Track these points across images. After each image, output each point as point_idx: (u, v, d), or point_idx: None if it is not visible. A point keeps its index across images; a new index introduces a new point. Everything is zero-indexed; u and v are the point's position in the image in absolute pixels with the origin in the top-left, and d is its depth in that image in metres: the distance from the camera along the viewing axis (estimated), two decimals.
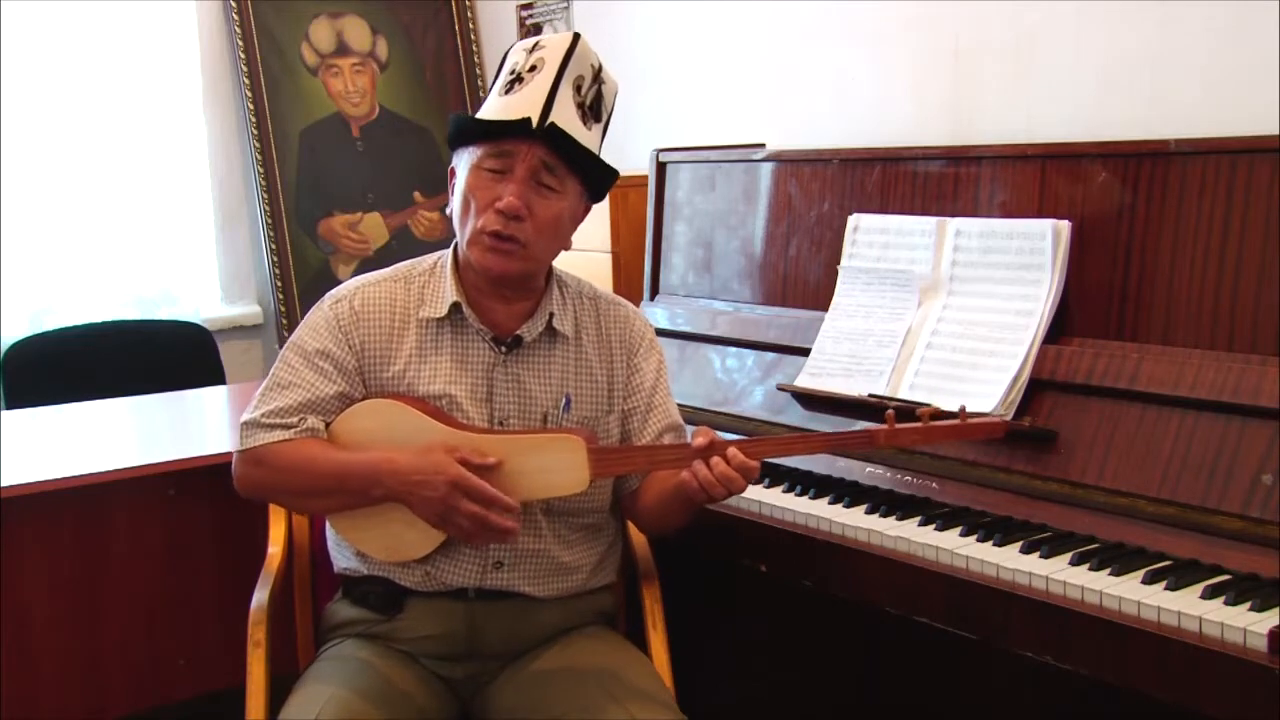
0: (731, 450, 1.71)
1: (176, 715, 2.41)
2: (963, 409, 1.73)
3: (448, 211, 1.89)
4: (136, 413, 2.89)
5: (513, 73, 1.83)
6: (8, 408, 3.12)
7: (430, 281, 1.90)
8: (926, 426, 1.73)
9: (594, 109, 1.84)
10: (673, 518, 1.89)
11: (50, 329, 3.49)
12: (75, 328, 3.52)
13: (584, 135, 1.81)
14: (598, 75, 1.84)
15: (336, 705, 1.72)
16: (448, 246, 1.93)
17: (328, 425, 1.84)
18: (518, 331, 1.87)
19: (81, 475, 2.29)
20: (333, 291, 1.92)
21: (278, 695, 1.84)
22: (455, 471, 1.71)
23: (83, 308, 3.79)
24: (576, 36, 1.81)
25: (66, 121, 3.83)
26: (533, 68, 1.81)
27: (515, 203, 1.77)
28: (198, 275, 4.09)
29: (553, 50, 1.81)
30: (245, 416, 1.84)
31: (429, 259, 1.94)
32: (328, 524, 1.96)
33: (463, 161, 1.84)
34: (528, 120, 1.76)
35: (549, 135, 1.77)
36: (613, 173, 1.88)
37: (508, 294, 1.87)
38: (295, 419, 1.81)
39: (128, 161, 3.94)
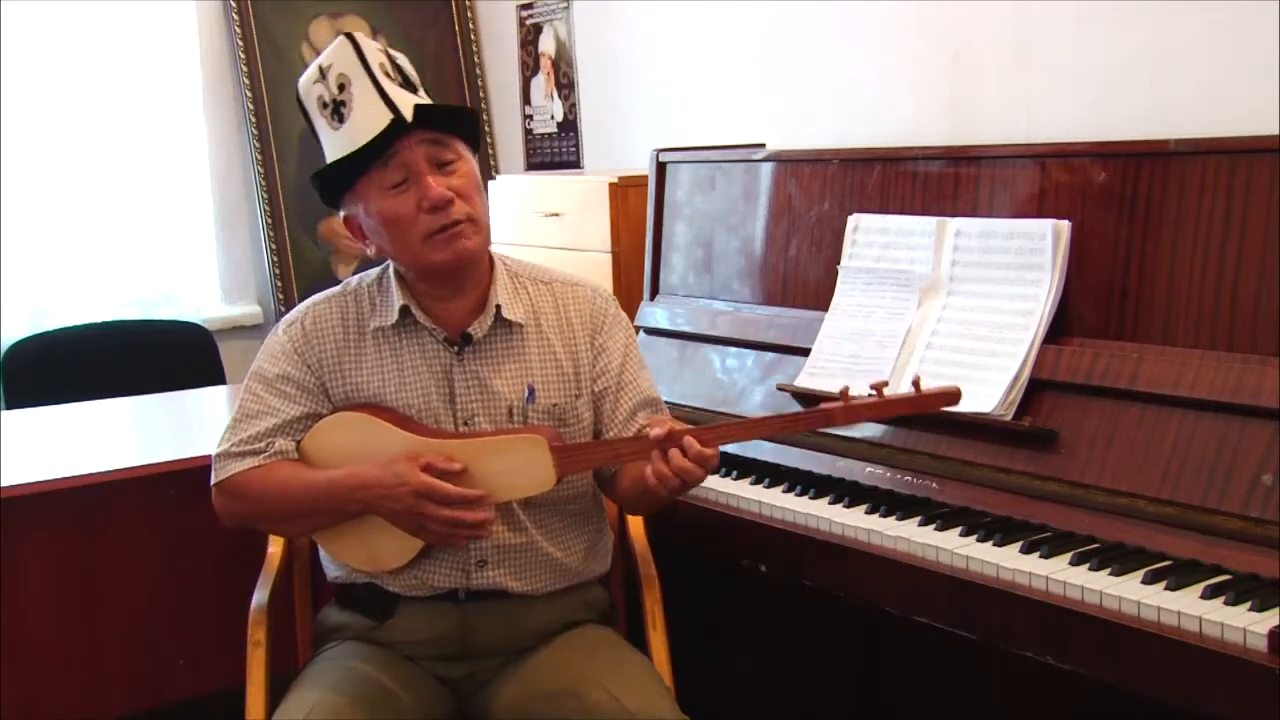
0: (688, 440, 1.69)
1: (176, 715, 2.41)
2: (916, 379, 1.71)
3: (371, 254, 1.89)
4: (136, 413, 2.89)
5: (327, 104, 1.82)
6: (8, 408, 3.12)
7: (378, 293, 1.91)
8: (882, 400, 1.70)
9: (408, 80, 1.85)
10: (649, 502, 1.88)
11: (50, 329, 3.50)
12: (75, 328, 3.52)
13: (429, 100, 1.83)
14: (387, 53, 1.85)
15: (328, 705, 1.73)
16: None
17: (298, 445, 1.86)
18: (467, 330, 1.87)
19: (81, 475, 2.29)
20: (286, 316, 1.95)
21: (277, 695, 1.84)
22: (417, 480, 1.72)
23: (83, 308, 3.79)
24: (349, 36, 1.82)
25: (66, 121, 3.83)
26: (341, 86, 1.80)
27: (440, 192, 1.78)
28: (198, 275, 4.09)
29: (343, 61, 1.80)
30: (216, 449, 1.87)
31: (373, 273, 1.95)
32: None
33: (360, 200, 1.83)
34: (399, 120, 1.76)
35: (419, 118, 1.78)
36: (474, 114, 1.92)
37: (461, 285, 1.87)
38: (264, 444, 1.84)
39: (128, 162, 3.94)
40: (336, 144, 1.82)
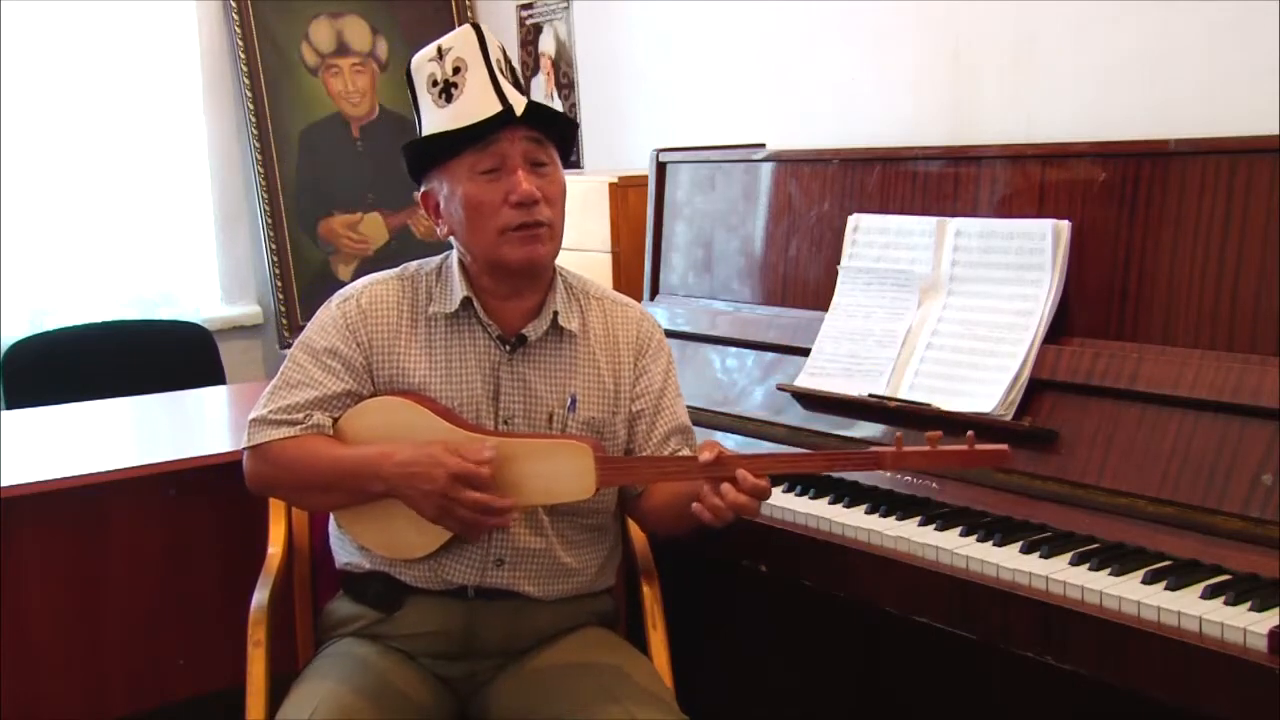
0: (742, 473, 1.67)
1: (176, 715, 2.41)
2: (970, 436, 1.69)
3: (441, 234, 1.90)
4: (136, 413, 2.89)
5: (438, 83, 1.84)
6: (8, 408, 3.12)
7: (438, 281, 1.92)
8: (933, 451, 1.68)
9: (518, 81, 1.88)
10: (678, 527, 1.88)
11: (50, 329, 3.50)
12: (75, 328, 3.52)
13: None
14: (504, 51, 1.88)
15: (332, 703, 1.73)
16: (448, 247, 1.94)
17: (335, 421, 1.85)
18: (522, 330, 1.88)
19: (81, 475, 2.29)
20: (340, 291, 1.94)
21: (278, 695, 1.84)
22: (454, 463, 1.72)
23: (83, 308, 3.79)
24: (475, 26, 1.85)
25: (66, 121, 3.83)
26: (456, 70, 1.82)
27: (529, 189, 1.79)
28: (198, 275, 4.09)
29: (464, 47, 1.83)
30: (253, 414, 1.86)
31: (434, 260, 1.95)
32: (331, 518, 1.96)
33: (446, 179, 1.84)
34: (508, 110, 1.79)
35: (529, 115, 1.80)
36: (576, 126, 1.91)
37: (523, 287, 1.88)
38: (302, 415, 1.83)
39: (127, 162, 3.94)
40: (438, 120, 1.84)
